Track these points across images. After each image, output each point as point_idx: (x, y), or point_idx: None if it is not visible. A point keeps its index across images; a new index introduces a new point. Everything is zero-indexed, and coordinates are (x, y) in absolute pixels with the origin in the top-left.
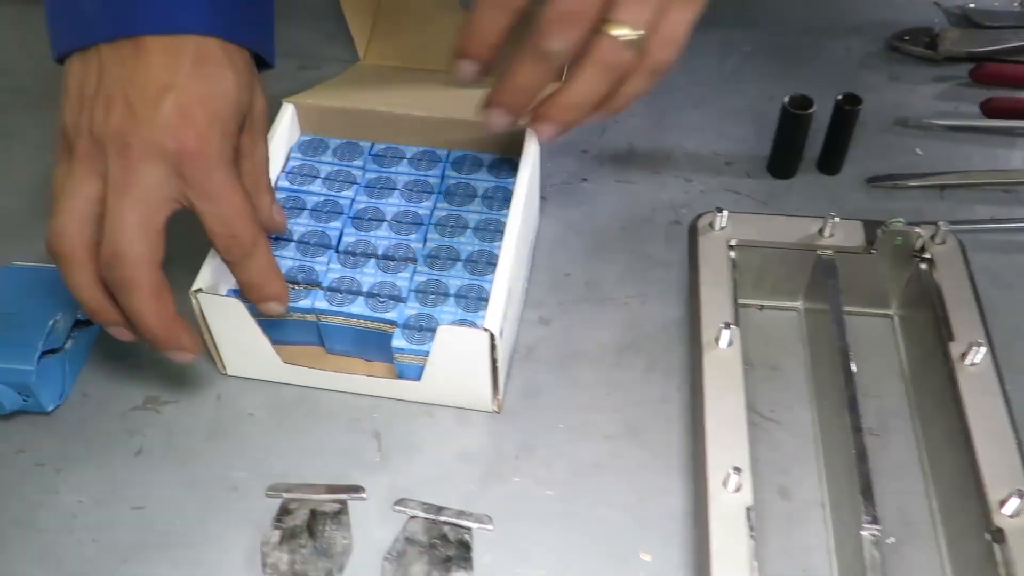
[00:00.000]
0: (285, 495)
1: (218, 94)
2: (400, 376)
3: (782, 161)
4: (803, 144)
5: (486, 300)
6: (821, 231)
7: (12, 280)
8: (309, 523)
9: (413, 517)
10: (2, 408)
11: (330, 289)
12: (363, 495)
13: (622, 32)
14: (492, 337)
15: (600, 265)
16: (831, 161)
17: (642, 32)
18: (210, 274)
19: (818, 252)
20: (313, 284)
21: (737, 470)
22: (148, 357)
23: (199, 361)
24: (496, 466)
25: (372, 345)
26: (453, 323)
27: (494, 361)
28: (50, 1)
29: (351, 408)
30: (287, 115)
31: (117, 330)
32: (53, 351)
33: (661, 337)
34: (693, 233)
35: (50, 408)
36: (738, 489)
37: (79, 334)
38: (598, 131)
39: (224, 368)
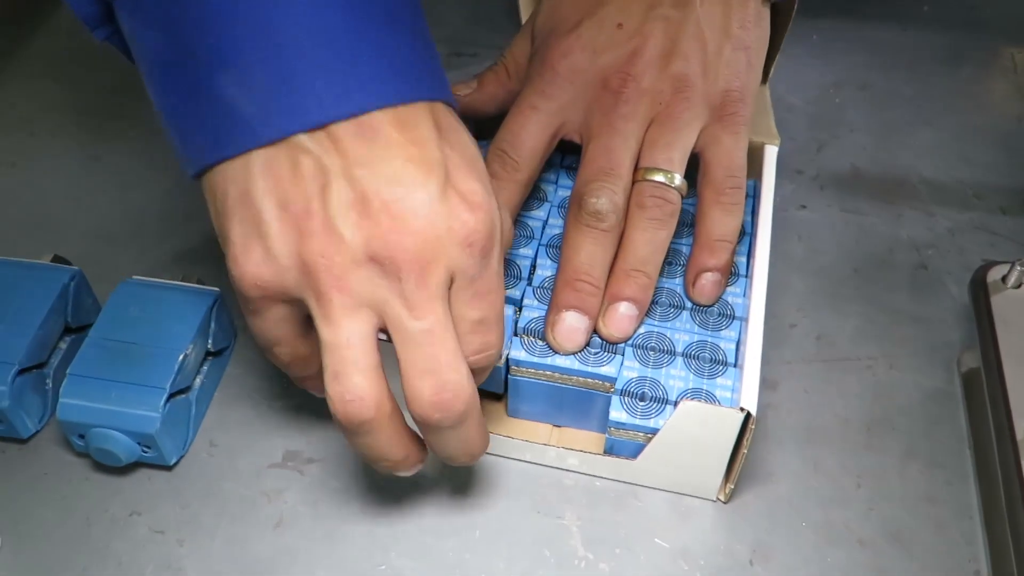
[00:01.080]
0: None
1: (475, 156)
2: (608, 452)
3: None
4: None
5: (723, 363)
6: None
7: (134, 300)
8: None
9: None
10: (117, 460)
11: (527, 333)
12: None
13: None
14: (748, 419)
15: (831, 316)
16: None
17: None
18: None
19: None
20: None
21: None
22: (287, 400)
23: None
24: (727, 573)
25: (570, 406)
26: (688, 394)
27: (739, 446)
28: (181, 91)
29: (535, 482)
30: None
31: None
32: (181, 392)
33: (919, 414)
34: (980, 288)
35: (172, 461)
36: None
37: (208, 368)
38: (814, 148)
39: None
